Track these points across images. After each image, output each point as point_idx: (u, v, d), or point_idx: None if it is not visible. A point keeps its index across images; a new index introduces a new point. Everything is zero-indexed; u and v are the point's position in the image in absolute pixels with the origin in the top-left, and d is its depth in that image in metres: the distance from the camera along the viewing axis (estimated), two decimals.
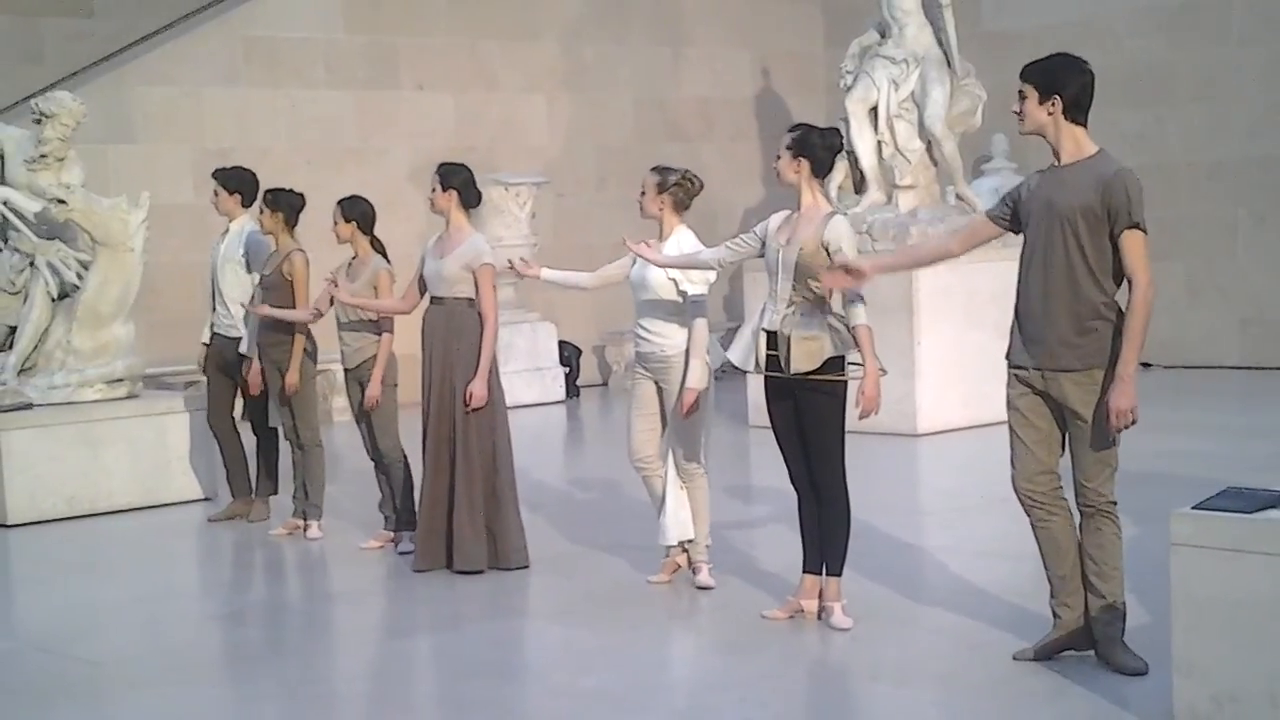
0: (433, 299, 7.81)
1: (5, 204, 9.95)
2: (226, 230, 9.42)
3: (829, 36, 18.05)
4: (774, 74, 18.04)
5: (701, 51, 17.51)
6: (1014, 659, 5.85)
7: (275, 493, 9.47)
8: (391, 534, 8.48)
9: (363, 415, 8.46)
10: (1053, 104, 5.57)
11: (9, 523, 9.40)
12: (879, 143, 12.69)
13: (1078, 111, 5.59)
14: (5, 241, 10.17)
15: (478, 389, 7.63)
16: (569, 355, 15.59)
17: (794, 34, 18.24)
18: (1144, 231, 5.49)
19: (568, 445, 13.47)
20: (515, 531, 7.84)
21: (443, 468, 7.72)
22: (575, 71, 16.60)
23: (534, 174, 15.27)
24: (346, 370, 8.42)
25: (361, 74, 15.23)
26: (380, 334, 8.30)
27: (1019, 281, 5.74)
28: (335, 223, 8.38)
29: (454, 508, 7.70)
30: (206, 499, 10.05)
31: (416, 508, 8.12)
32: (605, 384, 16.35)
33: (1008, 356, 5.79)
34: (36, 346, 9.98)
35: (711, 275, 7.05)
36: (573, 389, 15.48)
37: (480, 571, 7.68)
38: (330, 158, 14.58)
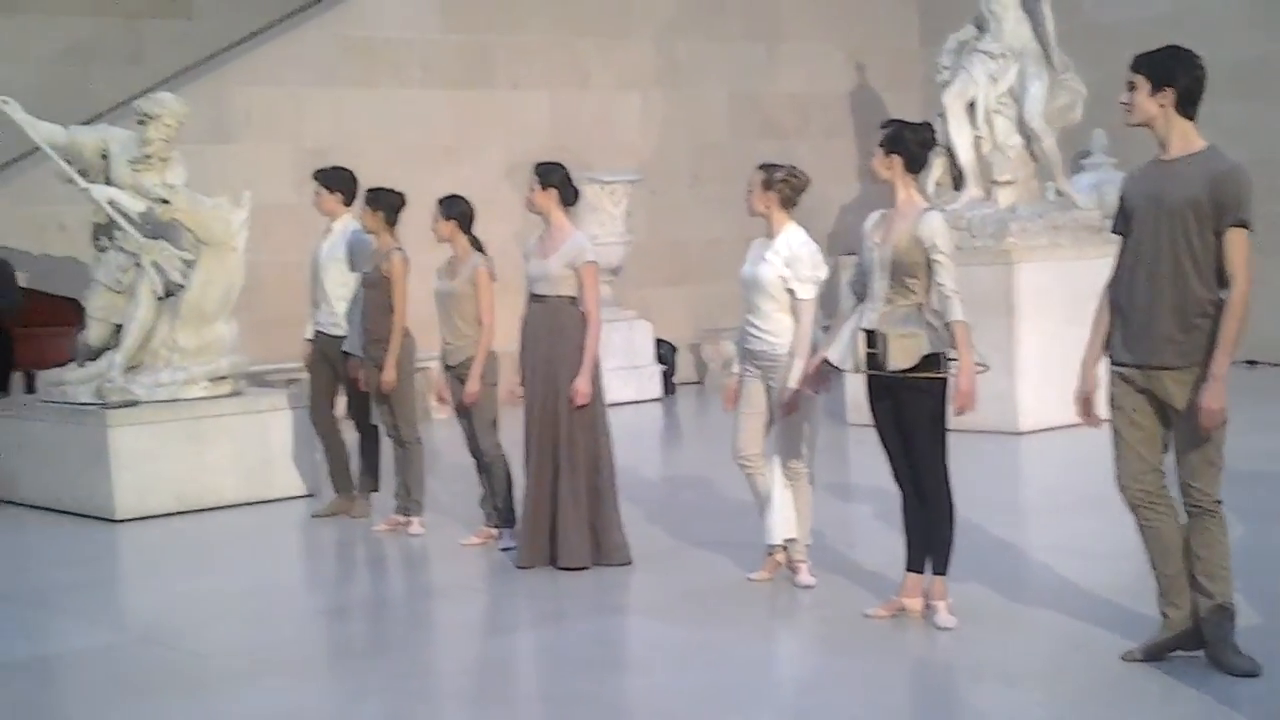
0: (533, 297, 7.84)
1: (111, 204, 10.08)
2: (329, 229, 9.50)
3: (924, 32, 17.92)
4: (869, 70, 17.95)
5: (796, 47, 17.45)
6: (1122, 659, 5.78)
7: (376, 489, 9.55)
8: (493, 530, 8.53)
9: (463, 413, 8.51)
10: (1164, 96, 5.50)
11: (117, 518, 9.54)
12: (977, 138, 12.60)
13: (1189, 105, 5.51)
14: (111, 241, 10.30)
15: (582, 386, 7.65)
16: (665, 353, 15.59)
17: (889, 29, 18.14)
18: (1250, 230, 5.41)
19: (665, 442, 13.47)
20: (616, 528, 7.87)
21: (546, 465, 7.76)
22: (669, 68, 16.60)
23: (628, 171, 15.29)
24: (447, 368, 8.47)
25: (457, 73, 15.31)
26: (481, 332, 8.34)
27: (1119, 277, 5.68)
28: (434, 221, 8.44)
29: (558, 505, 7.73)
30: (309, 495, 10.15)
31: (517, 504, 8.16)
32: (701, 382, 16.34)
33: (1110, 354, 5.73)
34: (142, 345, 10.09)
35: (822, 275, 7.04)
36: (669, 386, 15.48)
37: (584, 568, 7.71)
38: (426, 157, 14.67)
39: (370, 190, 9.00)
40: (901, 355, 6.24)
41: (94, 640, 6.97)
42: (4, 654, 6.76)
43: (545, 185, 7.84)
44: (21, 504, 10.18)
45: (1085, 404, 5.83)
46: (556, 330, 7.75)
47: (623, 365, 14.58)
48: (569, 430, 7.72)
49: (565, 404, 7.68)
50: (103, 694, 6.18)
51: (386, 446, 9.25)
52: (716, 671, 6.08)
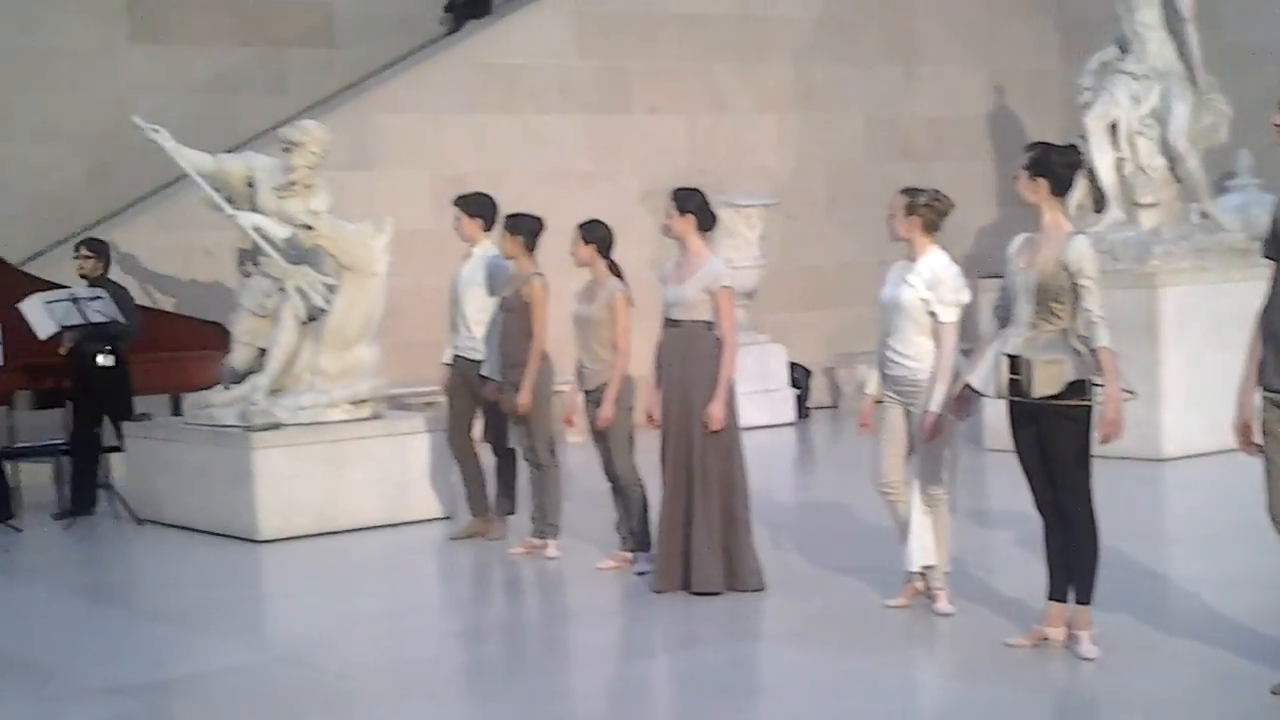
0: (669, 322, 7.86)
1: (256, 230, 10.26)
2: (468, 254, 9.58)
3: (1064, 52, 17.70)
4: (1008, 91, 17.78)
5: (934, 70, 17.34)
6: (1272, 693, 5.64)
7: (513, 512, 9.61)
8: (628, 554, 8.54)
9: (598, 436, 8.54)
10: None
11: (260, 538, 9.69)
12: (1119, 160, 12.42)
13: None
14: (256, 266, 10.48)
15: (716, 411, 7.65)
16: (799, 377, 15.53)
17: (1029, 51, 17.95)
18: None
19: (799, 467, 13.41)
20: (750, 554, 7.85)
21: (680, 489, 7.76)
22: (806, 92, 16.57)
23: (764, 195, 15.27)
24: (584, 391, 8.51)
25: (594, 98, 15.41)
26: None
27: (1272, 303, 5.56)
28: (573, 246, 8.48)
29: (691, 529, 7.73)
30: (446, 517, 10.23)
31: (652, 528, 8.17)
32: (835, 406, 16.25)
33: (1262, 380, 5.61)
34: (286, 368, 10.24)
35: (965, 299, 6.98)
36: (803, 411, 15.42)
37: (716, 593, 7.69)
38: (563, 182, 14.77)
39: (509, 216, 9.08)
40: (1046, 382, 6.16)
41: (238, 659, 7.08)
42: (151, 673, 6.90)
43: (683, 211, 7.85)
44: (167, 524, 10.38)
45: (1244, 432, 5.71)
46: (692, 355, 7.76)
47: (756, 389, 14.52)
48: (702, 455, 7.72)
49: (699, 428, 7.68)
50: (247, 713, 6.28)
51: (523, 470, 9.30)
52: (854, 699, 6.03)
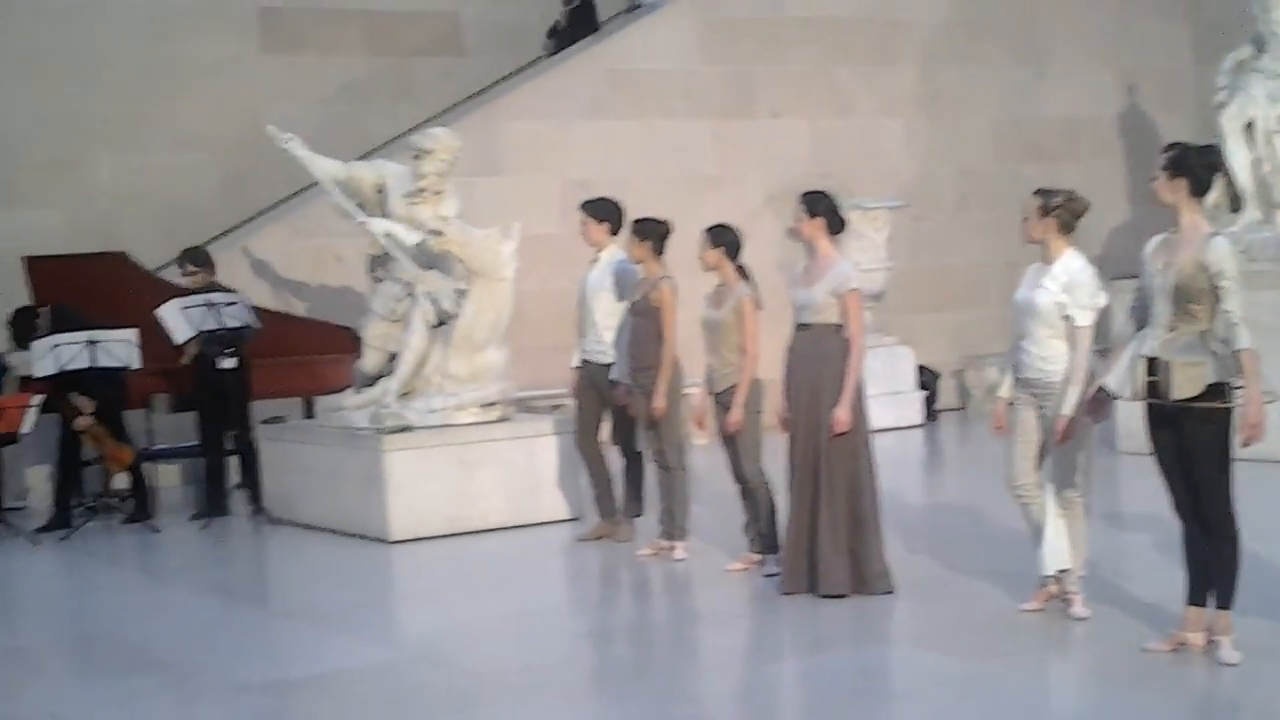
0: (799, 325, 7.84)
1: (387, 236, 10.37)
2: (596, 259, 9.62)
3: (1198, 52, 17.40)
4: (1140, 91, 17.51)
5: (1063, 70, 17.12)
6: None
7: (641, 514, 9.63)
8: (756, 556, 8.52)
9: (727, 439, 8.53)
10: None
11: (391, 539, 9.80)
12: (1256, 160, 12.19)
13: None
14: (387, 272, 10.59)
15: (842, 414, 7.62)
16: (926, 379, 15.41)
17: (1161, 50, 17.67)
18: None
19: (928, 470, 13.30)
20: (878, 557, 7.79)
21: (807, 491, 7.74)
22: (933, 94, 16.44)
23: (890, 198, 15.18)
24: (713, 394, 8.51)
25: (719, 103, 15.40)
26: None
27: None
28: (702, 250, 8.49)
29: (817, 532, 7.70)
30: (574, 519, 10.28)
31: (780, 530, 8.15)
32: (963, 408, 16.11)
33: None
34: (416, 372, 10.35)
35: (1101, 302, 6.89)
36: (930, 413, 15.30)
37: (842, 595, 7.65)
38: (687, 186, 14.78)
39: (637, 220, 9.10)
40: (1186, 384, 6.06)
41: (370, 658, 7.15)
42: (285, 671, 7.00)
43: (812, 213, 7.83)
44: (301, 524, 10.53)
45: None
46: (820, 358, 7.73)
47: (884, 391, 14.41)
48: (829, 457, 7.69)
49: (826, 431, 7.66)
50: (379, 711, 6.35)
51: (651, 472, 9.31)
52: (987, 703, 5.97)
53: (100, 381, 10.70)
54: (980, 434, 12.78)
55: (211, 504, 11.07)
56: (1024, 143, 16.77)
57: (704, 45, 15.36)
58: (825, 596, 7.66)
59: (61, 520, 10.87)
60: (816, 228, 7.83)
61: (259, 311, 11.47)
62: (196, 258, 11.47)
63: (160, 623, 8.18)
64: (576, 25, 15.25)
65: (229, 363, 10.90)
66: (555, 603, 8.51)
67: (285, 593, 9.10)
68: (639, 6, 15.36)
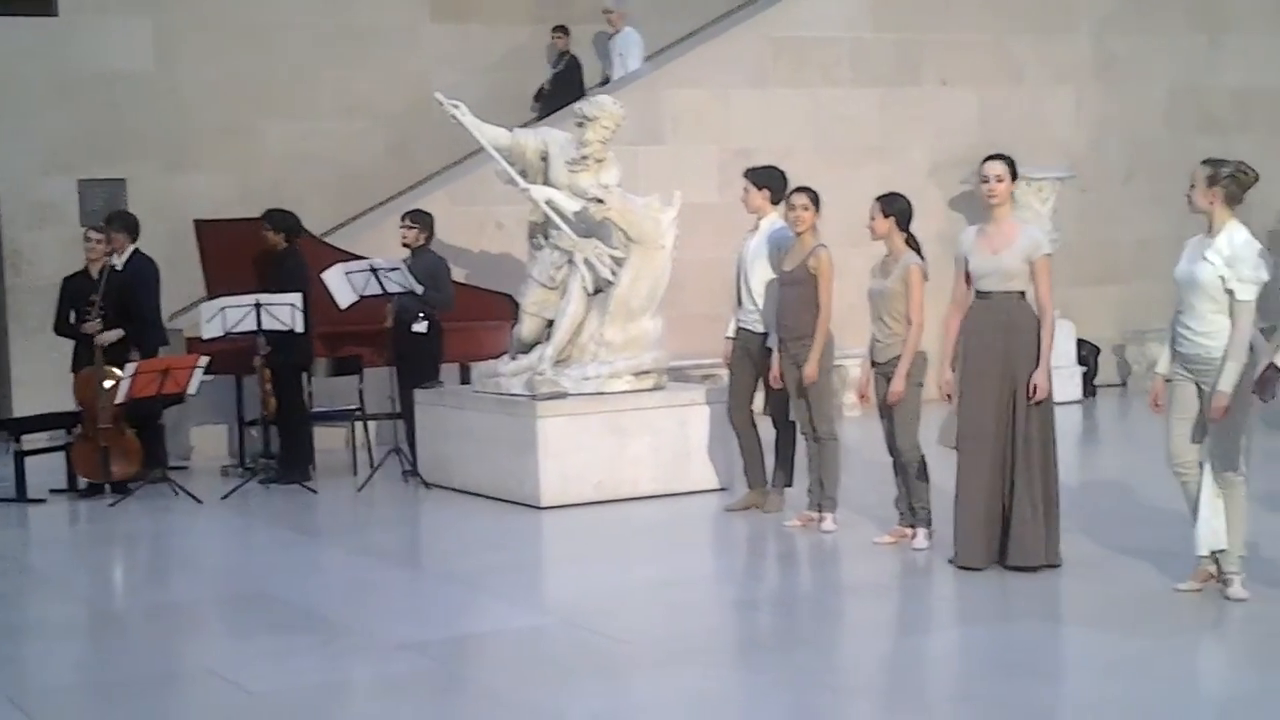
0: (979, 294, 7.71)
1: (548, 203, 10.43)
2: (755, 228, 9.57)
3: None
4: None
5: (1241, 39, 16.63)
6: None
7: (790, 484, 9.59)
8: (907, 530, 8.44)
9: (885, 411, 8.45)
10: None
11: (542, 504, 9.88)
12: None
13: None
14: (546, 239, 10.64)
15: (1043, 381, 7.52)
16: (1086, 354, 15.15)
17: None
18: None
19: (1085, 446, 13.06)
20: (1058, 528, 7.72)
21: (998, 463, 7.61)
22: (1106, 62, 16.08)
23: (1058, 168, 14.90)
24: (875, 364, 8.42)
25: (886, 71, 15.23)
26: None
27: None
28: (872, 218, 8.38)
29: (1014, 502, 7.59)
30: (722, 489, 10.27)
31: (943, 502, 8.02)
32: (1124, 384, 15.80)
33: None
34: (572, 339, 10.41)
35: (1264, 276, 6.70)
36: (1089, 389, 15.04)
37: (1036, 568, 7.56)
38: (851, 155, 14.65)
39: (802, 187, 9.01)
40: None
41: (521, 621, 7.23)
42: (438, 631, 7.08)
43: (1012, 177, 7.74)
44: (456, 489, 10.65)
45: None
46: (1010, 326, 7.61)
47: None
48: (1028, 427, 7.59)
49: (1024, 400, 7.54)
50: (529, 672, 6.41)
51: (801, 443, 9.26)
52: (1140, 683, 5.86)
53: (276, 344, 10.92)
54: (1140, 411, 12.49)
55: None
56: (1198, 113, 16.34)
57: (874, 13, 15.19)
58: (1017, 568, 7.57)
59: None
60: (1009, 190, 7.74)
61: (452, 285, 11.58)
62: (419, 217, 11.50)
63: (315, 582, 8.35)
64: (562, 88, 15.14)
65: (420, 327, 11.07)
66: (702, 572, 8.51)
67: (438, 555, 9.22)
68: (609, 80, 15.23)
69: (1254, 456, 6.97)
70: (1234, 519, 6.90)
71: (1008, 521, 7.64)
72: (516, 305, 11.01)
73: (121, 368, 10.56)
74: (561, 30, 15.45)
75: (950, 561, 7.77)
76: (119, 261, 11.33)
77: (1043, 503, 7.63)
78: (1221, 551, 6.94)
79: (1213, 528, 6.89)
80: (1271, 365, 6.32)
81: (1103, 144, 16.00)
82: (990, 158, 7.76)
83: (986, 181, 7.68)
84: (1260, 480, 9.03)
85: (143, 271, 11.41)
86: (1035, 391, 7.53)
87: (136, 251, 11.48)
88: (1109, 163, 16.02)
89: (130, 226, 11.57)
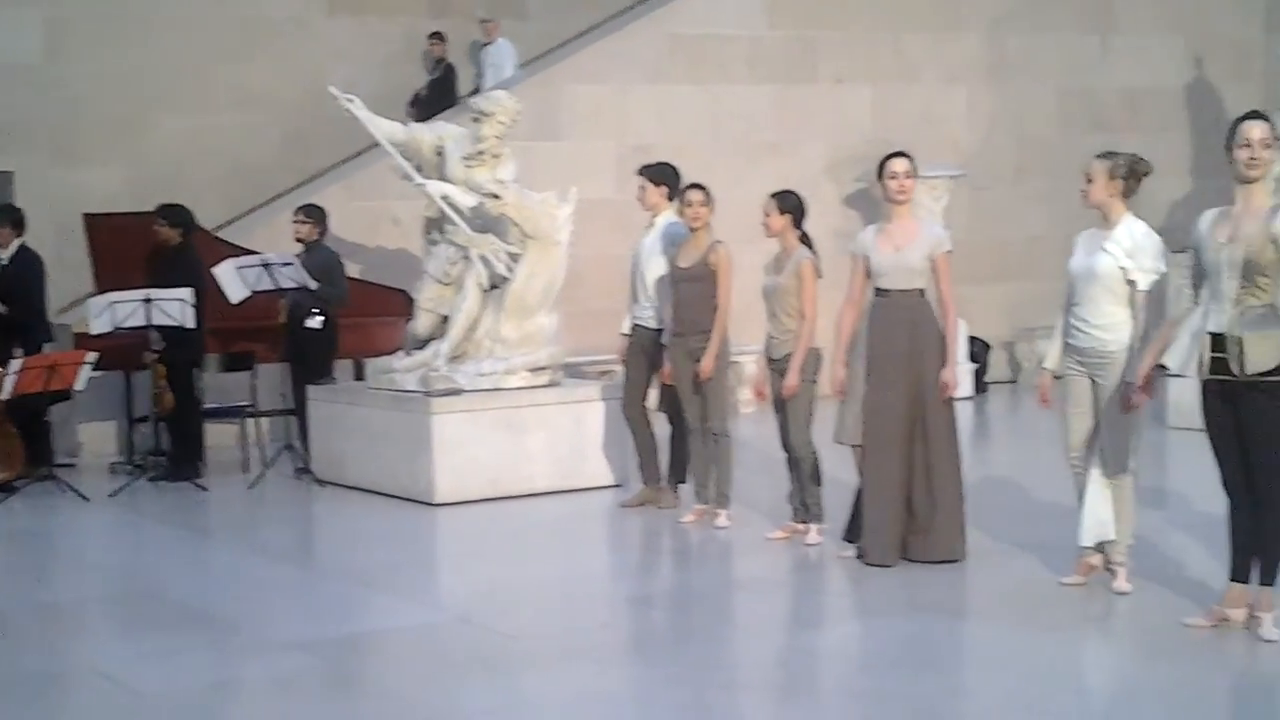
0: (878, 292, 7.76)
1: (444, 199, 10.38)
2: (651, 224, 9.58)
3: (1269, 21, 17.15)
4: (1208, 62, 17.25)
5: (1130, 39, 16.88)
6: None
7: (685, 481, 9.61)
8: (799, 525, 8.50)
9: (779, 406, 8.50)
10: None
11: (436, 501, 9.84)
12: None
13: None
14: (442, 235, 10.59)
15: (951, 377, 7.60)
16: (978, 351, 15.33)
17: (1231, 19, 17.38)
18: None
19: (977, 441, 13.17)
20: (963, 524, 7.81)
21: (905, 461, 7.67)
22: (998, 62, 16.26)
23: (950, 166, 15.05)
24: (771, 360, 8.46)
25: (781, 69, 15.31)
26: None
27: None
28: (766, 215, 8.42)
29: (930, 498, 7.68)
30: (618, 485, 10.28)
31: (859, 501, 8.05)
32: (1014, 381, 16.01)
33: None
34: (467, 335, 10.36)
35: (1163, 268, 6.81)
36: (980, 385, 15.23)
37: (956, 561, 7.65)
38: (747, 152, 14.71)
39: (699, 185, 9.03)
40: (1261, 358, 5.96)
41: (413, 619, 7.19)
42: (329, 629, 7.04)
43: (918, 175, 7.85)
44: (347, 486, 10.58)
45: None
46: (914, 323, 7.66)
47: None
48: (937, 423, 7.66)
49: (933, 397, 7.60)
50: (420, 670, 6.37)
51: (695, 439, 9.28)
52: (1025, 676, 5.93)
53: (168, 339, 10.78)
54: (1029, 407, 12.67)
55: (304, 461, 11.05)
56: (1088, 113, 16.57)
57: (770, 10, 15.26)
58: (936, 562, 7.65)
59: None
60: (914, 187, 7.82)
61: (346, 281, 11.49)
62: (312, 212, 11.40)
63: (206, 580, 8.26)
64: (439, 94, 15.14)
65: (314, 323, 10.98)
66: (597, 568, 8.52)
67: (329, 553, 9.16)
68: (476, 91, 15.25)
69: (1140, 452, 7.08)
70: (1123, 511, 7.00)
71: (914, 518, 7.71)
72: (411, 301, 10.95)
73: (5, 364, 10.38)
74: (438, 37, 15.41)
75: (859, 559, 7.82)
76: (4, 256, 11.15)
77: (950, 498, 7.71)
78: (1108, 543, 7.05)
79: (1099, 519, 6.99)
80: (1159, 365, 6.42)
81: (994, 143, 16.19)
82: (894, 155, 7.82)
83: (895, 178, 7.72)
84: (1147, 476, 9.20)
85: (29, 266, 11.23)
86: (944, 388, 7.60)
87: (23, 246, 11.30)
88: (1000, 161, 16.20)
89: (16, 220, 11.38)
